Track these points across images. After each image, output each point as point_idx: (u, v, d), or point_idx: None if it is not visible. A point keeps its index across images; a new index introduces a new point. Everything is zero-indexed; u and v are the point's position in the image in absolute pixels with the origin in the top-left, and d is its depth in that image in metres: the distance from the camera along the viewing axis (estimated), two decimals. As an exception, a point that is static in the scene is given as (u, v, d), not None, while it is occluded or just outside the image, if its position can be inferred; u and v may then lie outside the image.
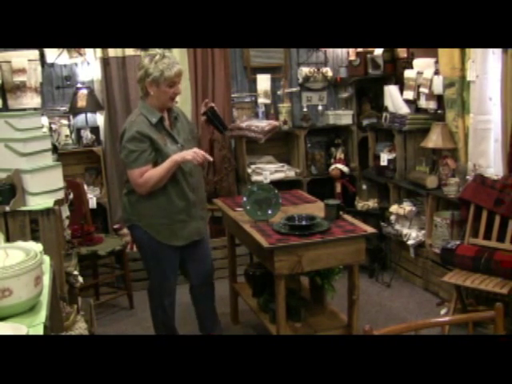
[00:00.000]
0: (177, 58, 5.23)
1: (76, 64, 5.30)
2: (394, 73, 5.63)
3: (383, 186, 5.52)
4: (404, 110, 5.26)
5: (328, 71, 5.89)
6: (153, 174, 3.32)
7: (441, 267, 4.58)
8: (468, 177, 4.45)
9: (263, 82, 5.71)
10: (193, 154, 3.30)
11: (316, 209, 3.84)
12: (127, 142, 3.31)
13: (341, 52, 6.01)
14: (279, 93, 5.80)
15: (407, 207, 5.01)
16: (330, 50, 5.98)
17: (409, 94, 5.24)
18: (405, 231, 5.01)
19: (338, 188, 5.68)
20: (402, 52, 5.55)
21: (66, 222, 3.46)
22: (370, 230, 3.45)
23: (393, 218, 5.16)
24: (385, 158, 5.37)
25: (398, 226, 5.11)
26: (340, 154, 5.76)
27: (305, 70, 5.83)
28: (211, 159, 3.42)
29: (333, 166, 5.68)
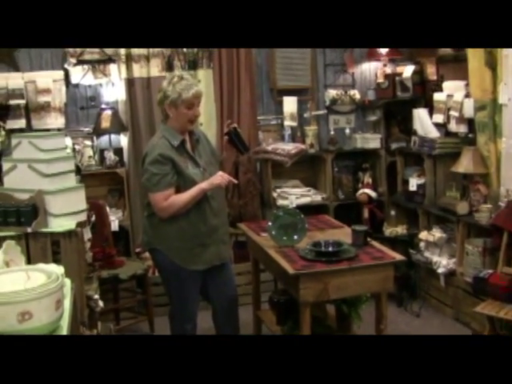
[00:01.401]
0: (202, 80, 5.37)
1: (101, 84, 5.37)
2: (424, 95, 5.61)
3: (412, 212, 5.46)
4: (433, 133, 5.22)
5: (356, 94, 5.88)
6: (178, 199, 3.33)
7: (472, 297, 4.50)
8: (500, 203, 4.38)
9: (290, 104, 5.72)
10: (220, 177, 3.33)
11: (343, 234, 3.82)
12: (149, 165, 3.34)
13: (369, 74, 6.02)
14: (306, 115, 5.81)
15: (437, 234, 4.95)
16: (357, 72, 5.98)
17: (438, 118, 5.21)
18: (435, 259, 4.94)
19: (366, 213, 5.63)
20: (432, 74, 5.54)
21: (88, 245, 3.47)
22: (398, 257, 3.43)
23: (422, 244, 5.09)
24: (414, 183, 5.33)
25: (427, 254, 5.04)
26: (368, 179, 5.72)
27: (332, 93, 5.83)
28: (236, 181, 3.45)
29: (360, 191, 5.64)
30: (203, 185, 3.35)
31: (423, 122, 5.34)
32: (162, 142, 3.38)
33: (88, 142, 5.30)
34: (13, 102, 4.98)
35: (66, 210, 3.02)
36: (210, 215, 3.46)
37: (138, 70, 5.31)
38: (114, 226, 5.14)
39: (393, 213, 5.70)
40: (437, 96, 5.23)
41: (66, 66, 5.19)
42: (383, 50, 5.73)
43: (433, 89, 5.41)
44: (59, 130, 5.02)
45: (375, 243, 3.66)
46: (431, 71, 5.56)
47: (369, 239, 3.63)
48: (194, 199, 3.35)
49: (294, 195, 5.51)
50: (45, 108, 5.11)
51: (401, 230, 5.55)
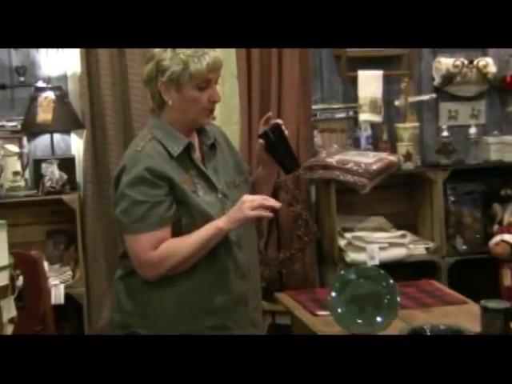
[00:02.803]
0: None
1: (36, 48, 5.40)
2: None
3: None
4: None
5: (488, 64, 5.88)
6: (177, 247, 3.27)
7: None
8: None
9: (369, 83, 5.75)
10: (249, 204, 3.21)
11: (465, 315, 3.81)
12: (129, 188, 3.28)
13: (511, 32, 6.00)
14: (398, 103, 5.83)
15: None
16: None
17: None
18: None
19: (508, 278, 5.57)
20: None
21: (10, 329, 3.46)
22: None
23: None
24: None
25: None
26: (510, 217, 5.67)
27: (446, 63, 5.83)
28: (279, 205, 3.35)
29: (497, 238, 5.58)
30: (221, 222, 3.27)
31: None
32: (151, 147, 3.31)
33: (13, 148, 5.32)
34: None
35: (-30, 266, 3.03)
36: (235, 276, 3.40)
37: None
38: (58, 295, 5.16)
39: (556, 278, 5.64)
40: None
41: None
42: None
43: None
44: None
45: (525, 332, 3.60)
46: None
47: (512, 325, 3.58)
48: (205, 247, 3.27)
49: (376, 244, 5.52)
50: None
51: None
